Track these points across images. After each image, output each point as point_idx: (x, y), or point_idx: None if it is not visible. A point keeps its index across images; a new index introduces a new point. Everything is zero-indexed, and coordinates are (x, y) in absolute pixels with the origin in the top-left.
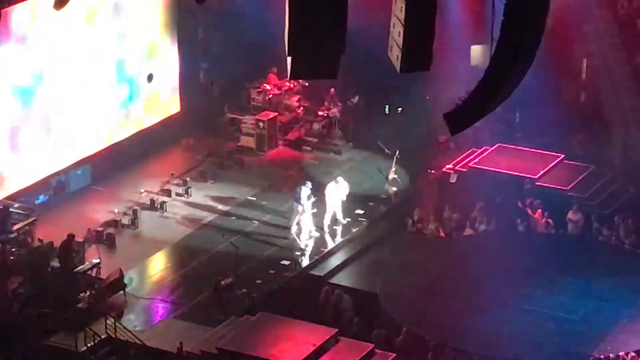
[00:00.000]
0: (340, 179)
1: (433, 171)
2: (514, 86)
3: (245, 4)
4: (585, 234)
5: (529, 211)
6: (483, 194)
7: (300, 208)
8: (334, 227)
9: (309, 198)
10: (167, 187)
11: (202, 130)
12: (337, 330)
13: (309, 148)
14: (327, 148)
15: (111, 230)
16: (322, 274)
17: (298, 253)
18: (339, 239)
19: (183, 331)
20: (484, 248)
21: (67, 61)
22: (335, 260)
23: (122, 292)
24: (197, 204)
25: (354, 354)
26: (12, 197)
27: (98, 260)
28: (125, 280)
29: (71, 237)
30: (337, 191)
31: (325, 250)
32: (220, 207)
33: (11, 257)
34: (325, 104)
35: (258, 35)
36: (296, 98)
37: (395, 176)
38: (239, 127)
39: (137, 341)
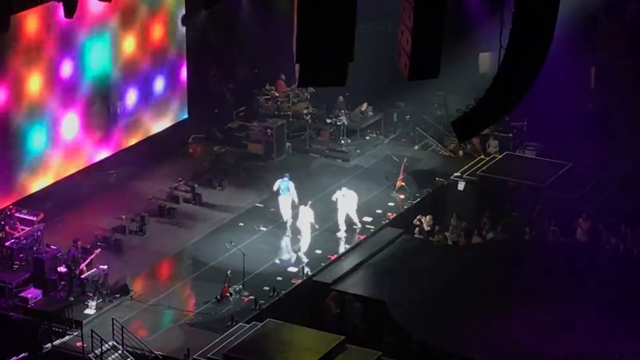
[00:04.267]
0: (344, 189)
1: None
2: (523, 94)
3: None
4: (594, 242)
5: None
6: (491, 202)
7: (282, 199)
8: (345, 233)
9: (288, 190)
10: (175, 193)
11: (211, 137)
12: (344, 337)
13: (316, 155)
14: (335, 155)
15: (119, 236)
16: (329, 281)
17: (305, 260)
18: (346, 246)
19: (190, 338)
20: (491, 256)
21: None
22: (342, 268)
23: (129, 298)
24: (204, 211)
25: None
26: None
27: (105, 266)
28: (132, 287)
29: (75, 241)
30: (344, 200)
31: (333, 258)
32: (227, 213)
33: (21, 263)
34: (334, 111)
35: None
36: (305, 105)
37: (403, 184)
38: (247, 133)
39: (144, 347)
